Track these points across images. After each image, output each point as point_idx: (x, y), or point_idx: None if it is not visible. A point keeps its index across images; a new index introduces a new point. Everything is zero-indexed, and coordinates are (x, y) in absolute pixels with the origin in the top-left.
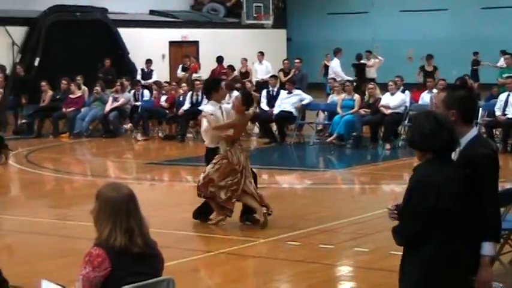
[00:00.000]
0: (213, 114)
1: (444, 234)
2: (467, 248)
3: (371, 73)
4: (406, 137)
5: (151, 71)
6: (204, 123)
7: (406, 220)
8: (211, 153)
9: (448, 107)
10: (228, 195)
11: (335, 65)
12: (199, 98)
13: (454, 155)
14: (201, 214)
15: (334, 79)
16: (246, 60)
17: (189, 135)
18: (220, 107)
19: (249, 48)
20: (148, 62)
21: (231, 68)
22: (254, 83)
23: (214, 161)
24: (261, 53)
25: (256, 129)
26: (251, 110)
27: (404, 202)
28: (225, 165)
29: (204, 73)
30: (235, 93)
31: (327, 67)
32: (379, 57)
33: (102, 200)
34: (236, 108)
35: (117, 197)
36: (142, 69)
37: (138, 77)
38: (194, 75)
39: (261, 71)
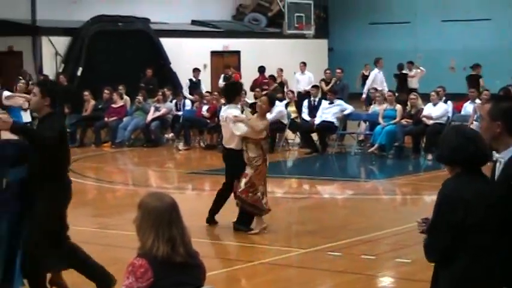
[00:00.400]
0: (237, 116)
1: (474, 249)
2: (499, 263)
3: (413, 83)
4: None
5: (199, 80)
6: (242, 127)
7: (434, 235)
8: (235, 157)
9: (494, 119)
10: (266, 199)
11: (374, 74)
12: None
13: (499, 166)
14: (241, 224)
15: (375, 89)
16: (281, 70)
17: None
18: (243, 109)
19: (290, 59)
20: (196, 71)
21: (273, 78)
22: (296, 93)
23: (256, 164)
24: (304, 63)
25: (297, 139)
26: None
27: (433, 216)
28: (263, 169)
29: (246, 83)
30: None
31: (365, 77)
32: (421, 68)
33: (145, 210)
34: (264, 110)
35: (159, 207)
36: (190, 80)
37: (185, 87)
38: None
39: (304, 81)
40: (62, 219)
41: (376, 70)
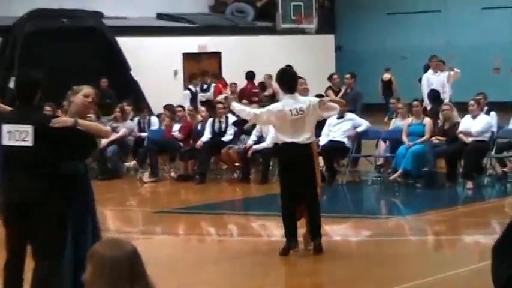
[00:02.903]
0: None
1: None
2: None
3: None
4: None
5: (207, 87)
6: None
7: (498, 260)
8: (311, 151)
9: None
10: None
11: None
12: (223, 125)
13: None
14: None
15: (398, 99)
16: (270, 77)
17: (211, 174)
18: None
19: (286, 60)
20: (206, 74)
21: (262, 86)
22: None
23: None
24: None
25: None
26: None
27: (501, 237)
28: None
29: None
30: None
31: (386, 83)
32: (456, 69)
33: (98, 262)
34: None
35: (117, 257)
36: (189, 89)
37: (187, 98)
38: (219, 97)
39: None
40: None
41: (430, 72)
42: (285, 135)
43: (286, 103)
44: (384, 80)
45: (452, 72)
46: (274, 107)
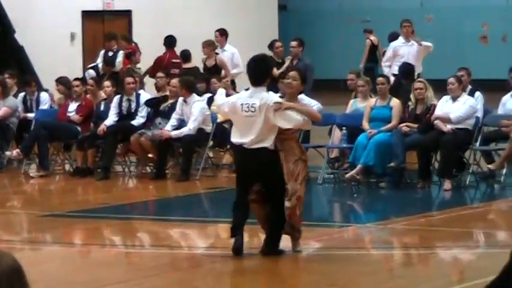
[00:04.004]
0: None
1: None
2: None
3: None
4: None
5: (115, 54)
6: (295, 115)
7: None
8: (273, 158)
9: None
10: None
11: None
12: (133, 105)
13: None
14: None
15: (357, 74)
16: (211, 44)
17: (117, 167)
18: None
19: (215, 23)
20: (112, 38)
21: (186, 56)
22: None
23: (295, 174)
24: (222, 33)
25: (226, 159)
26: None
27: (497, 279)
28: (305, 171)
29: (142, 64)
30: (196, 98)
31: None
32: (424, 43)
33: None
34: (298, 88)
35: None
36: (105, 52)
37: (100, 60)
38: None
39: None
40: None
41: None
42: (234, 133)
43: (241, 96)
44: (374, 44)
45: (422, 46)
46: (232, 97)
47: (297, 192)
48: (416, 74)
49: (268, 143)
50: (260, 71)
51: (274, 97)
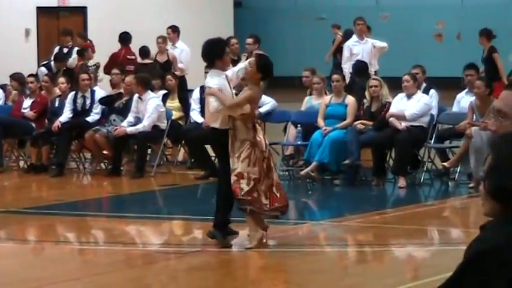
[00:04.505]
0: (221, 89)
1: None
2: None
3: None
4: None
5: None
6: (213, 102)
7: None
8: (221, 137)
9: None
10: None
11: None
12: (88, 102)
13: None
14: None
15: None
16: (164, 39)
17: (71, 163)
18: (226, 77)
19: (170, 19)
20: (67, 34)
21: (146, 52)
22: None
23: (239, 153)
24: (174, 30)
25: (181, 156)
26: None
27: (450, 279)
28: (254, 153)
29: (97, 61)
30: (151, 95)
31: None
32: (379, 44)
33: None
34: (251, 75)
35: None
36: (60, 48)
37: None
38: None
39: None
40: None
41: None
42: None
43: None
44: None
45: (376, 46)
46: None
47: (238, 169)
48: (373, 71)
49: (217, 124)
50: (207, 53)
51: (210, 81)
